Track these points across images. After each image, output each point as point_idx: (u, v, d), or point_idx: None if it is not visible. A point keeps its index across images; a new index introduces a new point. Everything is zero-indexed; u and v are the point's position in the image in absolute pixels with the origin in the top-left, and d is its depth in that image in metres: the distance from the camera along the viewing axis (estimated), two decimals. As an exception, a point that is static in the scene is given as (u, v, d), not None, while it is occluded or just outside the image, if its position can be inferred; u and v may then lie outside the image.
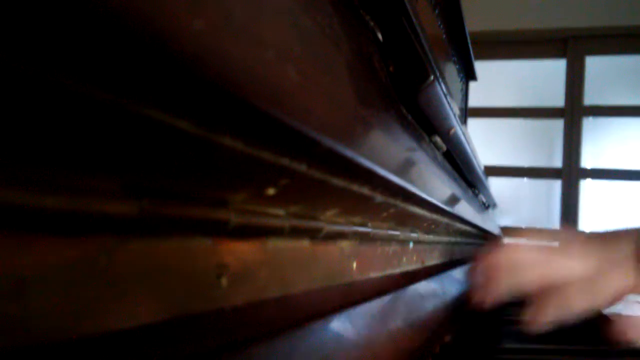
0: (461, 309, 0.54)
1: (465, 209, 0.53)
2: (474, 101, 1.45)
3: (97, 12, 0.08)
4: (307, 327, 0.20)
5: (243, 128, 0.12)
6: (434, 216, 0.40)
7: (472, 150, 0.63)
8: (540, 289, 0.52)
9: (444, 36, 0.76)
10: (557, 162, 2.37)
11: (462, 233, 0.62)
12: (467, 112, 1.23)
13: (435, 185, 0.35)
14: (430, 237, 0.45)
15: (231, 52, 0.11)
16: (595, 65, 2.34)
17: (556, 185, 2.36)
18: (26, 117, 0.08)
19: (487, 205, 1.03)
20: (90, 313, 0.10)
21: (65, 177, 0.10)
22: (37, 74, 0.08)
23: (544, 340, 0.45)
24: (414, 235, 0.38)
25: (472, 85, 1.22)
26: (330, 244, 0.23)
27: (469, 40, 0.96)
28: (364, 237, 0.26)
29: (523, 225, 2.31)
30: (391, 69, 0.30)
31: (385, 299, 0.30)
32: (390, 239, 0.32)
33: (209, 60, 0.10)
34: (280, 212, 0.17)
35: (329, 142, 0.16)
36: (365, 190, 0.22)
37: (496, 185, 1.89)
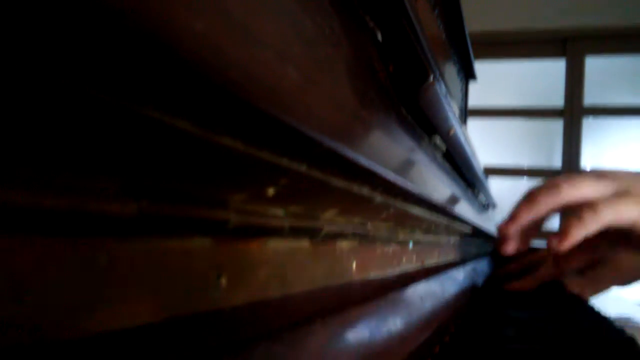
0: (461, 309, 0.54)
1: (464, 209, 0.53)
2: (474, 101, 1.45)
3: (94, 11, 0.08)
4: (307, 327, 0.20)
5: (243, 128, 0.12)
6: (434, 216, 0.40)
7: (471, 151, 0.63)
8: None
9: (444, 36, 0.76)
10: (557, 163, 2.37)
11: (462, 233, 0.62)
12: (467, 112, 1.23)
13: (434, 185, 0.35)
14: (430, 238, 0.45)
15: (231, 53, 0.11)
16: (595, 65, 2.34)
17: (556, 186, 2.36)
18: (26, 117, 0.08)
19: (486, 206, 1.04)
20: (90, 313, 0.10)
21: (64, 177, 0.10)
22: (37, 74, 0.08)
23: (543, 341, 0.45)
24: (413, 235, 0.38)
25: (472, 85, 1.22)
26: (330, 244, 0.23)
27: (468, 40, 0.96)
28: (363, 237, 0.26)
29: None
30: (391, 69, 0.30)
31: (385, 299, 0.30)
32: (389, 239, 0.32)
33: (209, 60, 0.10)
34: (280, 212, 0.18)
35: (328, 142, 0.16)
36: (365, 191, 0.22)
37: (496, 185, 1.89)
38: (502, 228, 0.56)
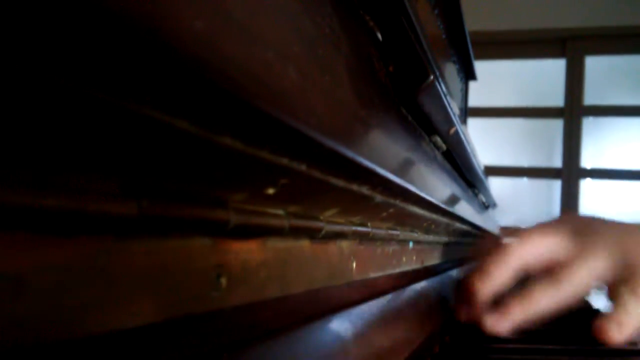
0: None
1: (465, 209, 0.53)
2: (474, 101, 1.45)
3: (93, 9, 0.08)
4: (307, 327, 0.20)
5: (243, 128, 0.12)
6: (434, 216, 0.40)
7: (472, 150, 0.63)
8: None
9: (444, 36, 0.76)
10: (557, 162, 2.37)
11: (462, 233, 0.62)
12: (467, 112, 1.23)
13: (434, 185, 0.35)
14: (430, 237, 0.45)
15: (231, 52, 0.11)
16: (595, 65, 2.34)
17: (556, 185, 2.36)
18: (25, 117, 0.08)
19: (487, 205, 1.04)
20: (90, 313, 0.10)
21: (64, 177, 0.10)
22: (36, 74, 0.08)
23: (543, 341, 0.45)
24: (413, 235, 0.38)
25: (472, 85, 1.22)
26: (330, 244, 0.23)
27: (468, 40, 0.96)
28: (363, 237, 0.26)
29: (523, 226, 2.32)
30: (390, 68, 0.30)
31: (385, 299, 0.30)
32: (390, 239, 0.32)
33: (209, 60, 0.10)
34: (280, 212, 0.18)
35: (328, 142, 0.16)
36: (365, 190, 0.22)
37: (496, 185, 1.89)
38: (461, 311, 0.48)
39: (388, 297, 0.31)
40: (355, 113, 0.20)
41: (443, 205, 0.37)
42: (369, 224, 0.27)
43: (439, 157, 0.44)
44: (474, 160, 0.64)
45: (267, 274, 0.18)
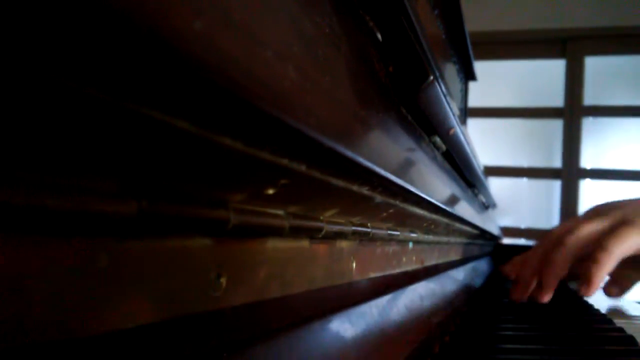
0: (461, 308, 0.54)
1: (464, 209, 0.53)
2: (473, 101, 1.45)
3: (93, 9, 0.08)
4: (307, 327, 0.20)
5: (243, 128, 0.12)
6: (434, 216, 0.40)
7: (471, 151, 0.63)
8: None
9: (444, 36, 0.76)
10: (557, 163, 2.37)
11: (462, 233, 0.62)
12: (467, 112, 1.23)
13: (434, 185, 0.35)
14: (430, 238, 0.45)
15: (231, 52, 0.11)
16: (594, 66, 2.34)
17: (556, 186, 2.36)
18: (25, 117, 0.08)
19: (486, 206, 1.04)
20: (90, 313, 0.11)
21: (64, 177, 0.10)
22: (37, 74, 0.08)
23: (543, 341, 0.45)
24: (413, 235, 0.38)
25: (472, 85, 1.22)
26: (330, 244, 0.23)
27: (468, 40, 0.96)
28: (363, 237, 0.26)
29: (523, 226, 2.32)
30: (390, 69, 0.30)
31: (385, 299, 0.30)
32: (389, 239, 0.32)
33: (209, 60, 0.10)
34: (280, 212, 0.18)
35: (328, 142, 0.16)
36: (365, 191, 0.22)
37: (496, 185, 1.89)
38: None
39: (388, 297, 0.31)
40: (355, 113, 0.20)
41: (443, 206, 0.37)
42: (369, 224, 0.27)
43: (439, 157, 0.44)
44: (473, 161, 0.64)
45: (267, 274, 0.18)
